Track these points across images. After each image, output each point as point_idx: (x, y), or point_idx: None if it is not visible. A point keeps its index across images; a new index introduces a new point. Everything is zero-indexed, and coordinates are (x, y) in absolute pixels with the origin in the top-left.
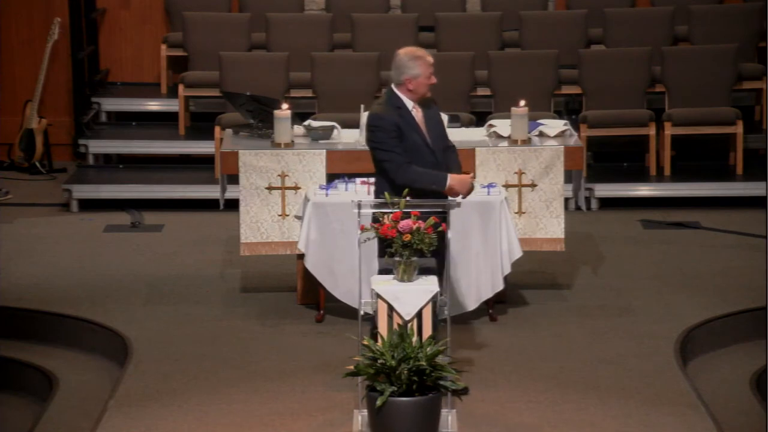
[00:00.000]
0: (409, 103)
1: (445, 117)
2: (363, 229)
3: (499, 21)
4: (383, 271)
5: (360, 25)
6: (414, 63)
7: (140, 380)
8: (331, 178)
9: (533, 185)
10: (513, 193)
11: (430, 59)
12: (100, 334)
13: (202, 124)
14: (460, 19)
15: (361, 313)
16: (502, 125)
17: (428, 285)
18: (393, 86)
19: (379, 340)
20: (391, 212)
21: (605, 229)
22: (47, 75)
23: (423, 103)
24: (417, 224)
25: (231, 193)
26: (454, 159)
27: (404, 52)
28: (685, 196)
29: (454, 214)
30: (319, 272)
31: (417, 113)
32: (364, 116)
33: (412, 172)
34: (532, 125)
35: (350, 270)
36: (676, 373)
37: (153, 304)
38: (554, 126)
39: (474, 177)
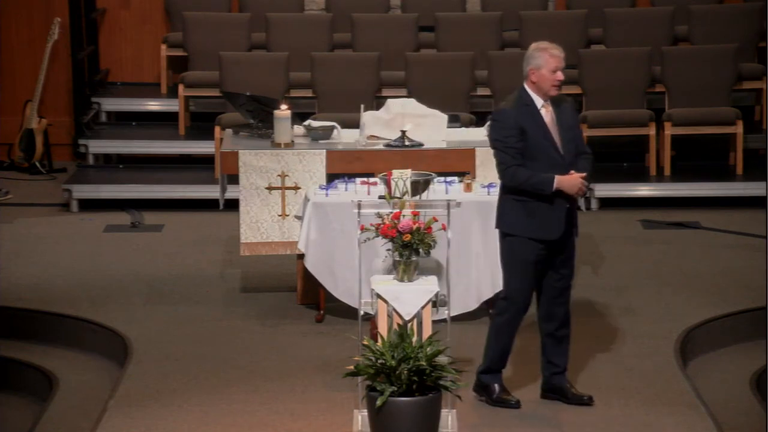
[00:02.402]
0: (539, 101)
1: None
2: (363, 229)
3: (499, 21)
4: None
5: (360, 25)
6: (538, 53)
7: (140, 380)
8: (331, 178)
9: None
10: None
11: (557, 53)
12: (100, 334)
13: (202, 124)
14: (460, 19)
15: (361, 313)
16: None
17: (428, 285)
18: (524, 83)
19: (379, 340)
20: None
21: (605, 229)
22: (47, 75)
23: (556, 103)
24: (417, 224)
25: (231, 193)
26: (582, 165)
27: (533, 45)
28: (685, 196)
29: (454, 214)
30: (319, 272)
31: (547, 112)
32: (364, 116)
33: (519, 174)
34: None
35: (350, 270)
36: (676, 373)
37: (153, 304)
38: None
39: (584, 176)
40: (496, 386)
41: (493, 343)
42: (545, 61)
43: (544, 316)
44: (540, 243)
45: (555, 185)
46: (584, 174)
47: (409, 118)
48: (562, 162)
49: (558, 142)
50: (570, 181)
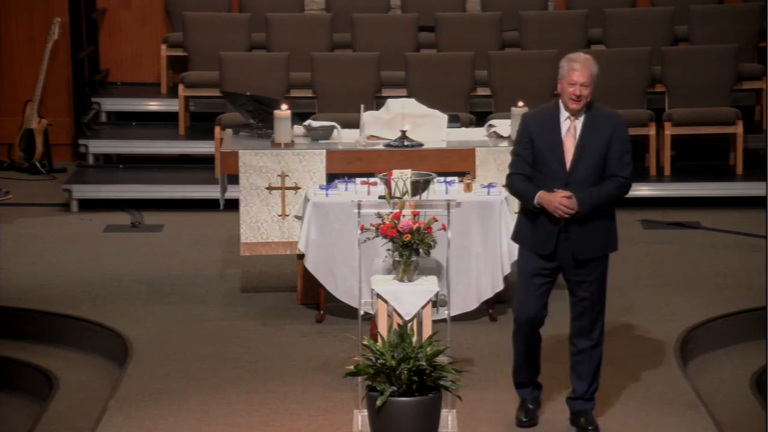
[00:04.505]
0: (563, 114)
1: (461, 129)
2: (363, 229)
3: (499, 21)
4: None
5: (360, 25)
6: (563, 63)
7: (140, 380)
8: (331, 178)
9: None
10: None
11: (577, 66)
12: (100, 334)
13: (202, 124)
14: (460, 19)
15: (361, 313)
16: (502, 125)
17: (428, 285)
18: None
19: (379, 340)
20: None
21: None
22: (47, 75)
23: (593, 118)
24: (417, 224)
25: (231, 193)
26: (591, 190)
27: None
28: (685, 196)
29: (454, 214)
30: (319, 272)
31: (570, 127)
32: (364, 116)
33: (514, 183)
34: None
35: (350, 270)
36: (676, 373)
37: (153, 304)
38: None
39: (569, 196)
40: (519, 402)
41: (511, 355)
42: (565, 72)
43: (569, 337)
44: (539, 256)
45: (536, 200)
46: (566, 194)
47: (409, 118)
48: (564, 178)
49: (568, 157)
50: (548, 198)
